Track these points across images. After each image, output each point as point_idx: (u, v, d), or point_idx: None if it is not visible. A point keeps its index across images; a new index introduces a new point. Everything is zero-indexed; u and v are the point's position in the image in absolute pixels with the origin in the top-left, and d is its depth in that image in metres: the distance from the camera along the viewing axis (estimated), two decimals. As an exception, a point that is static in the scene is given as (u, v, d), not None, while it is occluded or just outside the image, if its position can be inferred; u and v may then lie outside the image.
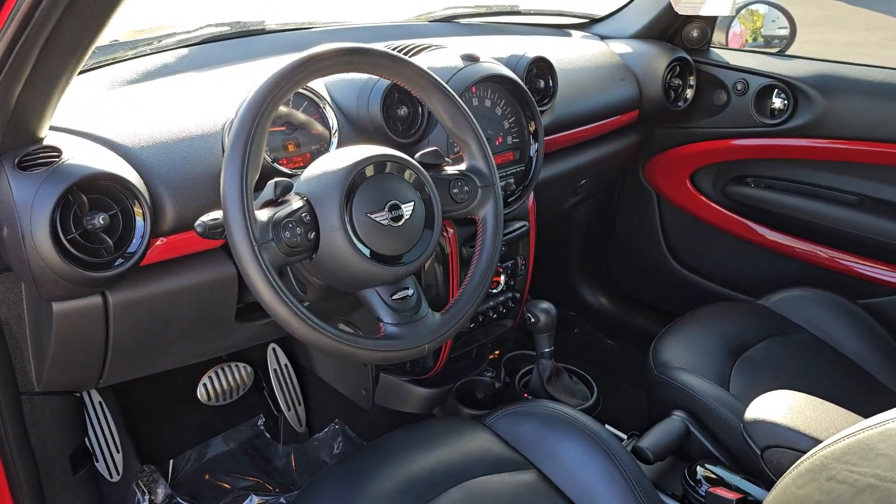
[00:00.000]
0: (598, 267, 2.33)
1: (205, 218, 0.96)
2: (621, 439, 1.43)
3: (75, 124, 1.10)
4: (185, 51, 1.47)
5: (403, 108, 1.31)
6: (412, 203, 1.04)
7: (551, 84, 1.59)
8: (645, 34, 1.98)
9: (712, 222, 2.03)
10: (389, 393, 1.66)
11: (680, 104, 1.92)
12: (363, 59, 1.04)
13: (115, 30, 1.75)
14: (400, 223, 1.02)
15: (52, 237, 0.93)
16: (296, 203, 0.98)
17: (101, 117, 1.13)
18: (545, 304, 1.47)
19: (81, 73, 1.32)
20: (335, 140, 1.23)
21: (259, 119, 0.93)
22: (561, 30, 2.07)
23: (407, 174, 1.05)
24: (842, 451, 0.66)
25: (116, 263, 0.99)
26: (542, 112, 1.55)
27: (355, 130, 1.29)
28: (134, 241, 1.00)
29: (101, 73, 1.34)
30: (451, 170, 1.15)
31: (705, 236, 2.06)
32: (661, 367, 1.48)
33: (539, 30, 2.04)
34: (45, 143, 1.00)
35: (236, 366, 1.73)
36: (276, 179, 0.97)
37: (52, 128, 1.07)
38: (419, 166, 1.07)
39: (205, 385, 1.66)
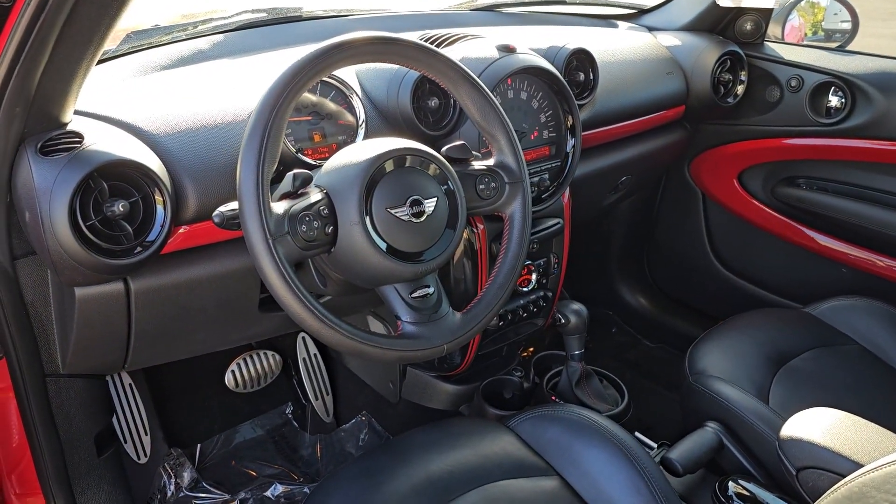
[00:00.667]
0: (638, 266, 2.26)
1: (223, 208, 0.94)
2: (650, 448, 1.38)
3: (102, 109, 1.09)
4: (220, 37, 1.47)
5: (434, 100, 1.28)
6: (435, 199, 1.01)
7: (592, 77, 1.53)
8: (695, 26, 1.90)
9: (760, 224, 1.94)
10: (416, 388, 1.63)
11: (729, 100, 1.84)
12: (390, 48, 1.00)
13: (158, 14, 1.76)
14: (421, 219, 0.99)
15: (70, 223, 0.93)
16: (314, 196, 0.96)
17: (129, 102, 1.13)
18: (576, 306, 1.42)
19: (115, 57, 1.33)
20: (362, 131, 1.21)
21: (278, 108, 0.91)
22: (607, 20, 2.00)
23: (431, 169, 1.02)
24: (882, 479, 0.61)
25: (135, 251, 0.98)
26: (581, 106, 1.50)
27: (384, 121, 1.26)
28: (154, 229, 0.99)
29: (136, 58, 1.34)
30: (478, 165, 1.11)
31: (752, 239, 1.97)
32: (696, 375, 1.42)
33: (584, 20, 1.97)
34: (69, 128, 1.00)
35: (265, 354, 1.73)
36: (296, 171, 0.95)
37: (78, 112, 1.07)
38: (444, 161, 1.04)
39: (233, 372, 1.66)
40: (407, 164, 1.00)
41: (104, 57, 1.31)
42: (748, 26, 1.87)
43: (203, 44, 1.43)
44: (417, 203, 0.99)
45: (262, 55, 1.41)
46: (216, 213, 0.94)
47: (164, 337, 1.22)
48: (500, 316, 1.48)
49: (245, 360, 1.68)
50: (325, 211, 0.95)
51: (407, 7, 1.87)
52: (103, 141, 0.98)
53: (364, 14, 1.72)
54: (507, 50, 1.34)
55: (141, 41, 1.39)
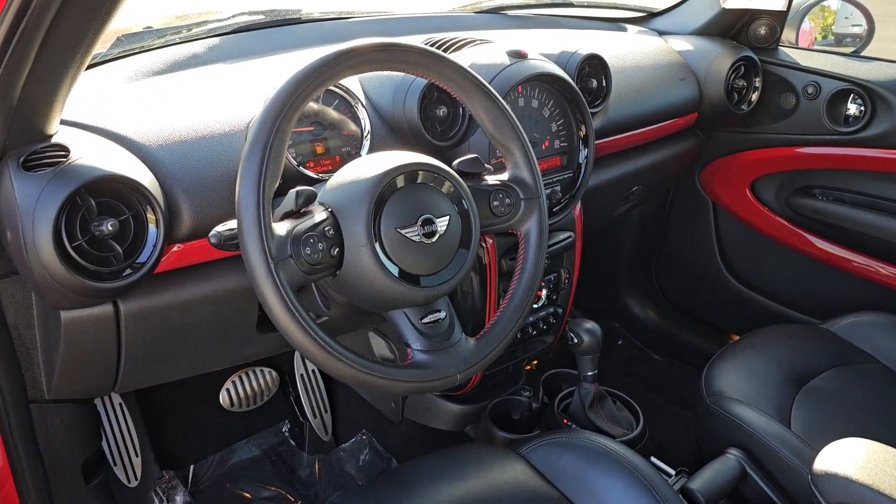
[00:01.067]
0: (646, 277, 2.20)
1: (220, 228, 0.87)
2: (668, 475, 1.31)
3: (91, 118, 1.02)
4: (215, 40, 1.40)
5: (442, 108, 1.21)
6: (447, 217, 0.94)
7: (605, 84, 1.47)
8: (708, 31, 1.84)
9: (774, 235, 1.88)
10: (420, 407, 1.57)
11: (743, 107, 1.78)
12: (398, 55, 0.94)
13: (150, 16, 1.69)
14: (433, 240, 0.92)
15: (55, 244, 0.86)
16: (319, 215, 0.89)
17: (119, 111, 1.05)
18: (589, 324, 1.36)
19: (105, 62, 1.26)
20: (367, 142, 1.14)
21: (280, 121, 0.84)
22: (616, 24, 1.94)
23: (444, 185, 0.95)
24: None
25: (125, 274, 0.91)
26: (593, 114, 1.44)
27: (390, 131, 1.19)
28: (145, 249, 0.92)
29: (127, 63, 1.27)
30: (491, 180, 1.05)
31: (765, 250, 1.91)
32: (713, 397, 1.36)
33: (592, 24, 1.91)
34: (54, 140, 0.93)
35: (261, 371, 1.65)
36: (299, 188, 0.88)
37: (64, 122, 1.00)
38: (456, 176, 0.97)
39: (228, 390, 1.59)
40: (419, 181, 0.93)
41: (93, 62, 1.24)
42: (762, 31, 1.81)
43: (198, 47, 1.36)
44: (429, 222, 0.92)
45: (260, 59, 1.34)
46: (213, 233, 0.87)
47: (156, 359, 1.15)
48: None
49: (241, 377, 1.61)
50: (331, 231, 0.88)
51: (409, 9, 1.80)
52: (91, 154, 0.91)
53: (365, 16, 1.65)
54: (518, 56, 1.27)
55: (132, 45, 1.32)
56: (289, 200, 0.89)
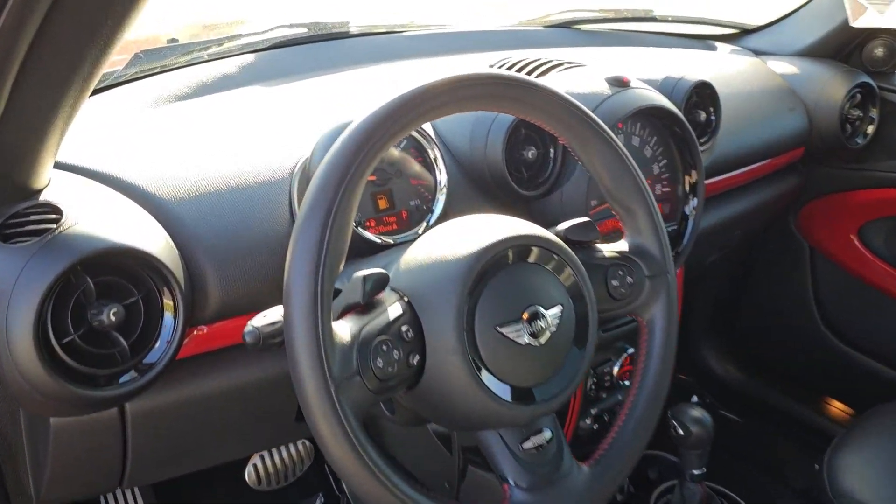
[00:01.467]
0: (727, 328, 1.94)
1: (259, 322, 0.64)
2: None
3: (95, 161, 0.81)
4: (250, 57, 1.18)
5: (531, 150, 0.98)
6: (558, 308, 0.70)
7: (713, 117, 1.22)
8: (814, 52, 1.58)
9: (883, 288, 1.62)
10: (478, 492, 1.32)
11: (858, 140, 1.52)
12: (502, 91, 0.70)
13: (173, 26, 1.47)
14: (541, 340, 0.68)
15: (37, 341, 0.64)
16: (392, 308, 0.66)
17: (131, 151, 0.84)
18: (697, 412, 1.11)
19: (118, 84, 1.04)
20: (442, 196, 0.90)
21: (348, 180, 0.61)
22: (704, 41, 1.69)
23: (552, 264, 0.71)
24: None
25: (125, 380, 0.68)
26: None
27: (465, 178, 0.96)
28: (157, 345, 0.70)
29: (144, 86, 1.05)
30: (606, 250, 0.81)
31: (873, 304, 1.65)
32: (842, 499, 1.11)
33: (676, 41, 1.67)
34: (43, 198, 0.70)
35: (293, 442, 1.42)
36: (366, 273, 0.64)
37: (60, 165, 0.78)
38: (570, 252, 0.73)
39: (255, 465, 1.36)
40: (531, 259, 0.70)
41: (103, 84, 1.02)
42: (879, 52, 1.55)
43: (230, 66, 1.14)
44: (538, 316, 0.68)
45: (304, 81, 1.12)
46: (249, 329, 0.64)
47: (171, 455, 0.93)
48: (593, 417, 1.17)
49: (269, 451, 1.37)
50: (409, 333, 0.65)
51: (468, 21, 1.57)
52: (91, 217, 0.69)
53: (421, 30, 1.42)
54: (621, 83, 1.04)
55: (153, 63, 1.10)
56: (353, 288, 0.65)
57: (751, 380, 1.91)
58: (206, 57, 1.15)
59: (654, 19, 1.66)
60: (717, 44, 1.69)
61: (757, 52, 1.64)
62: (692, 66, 1.37)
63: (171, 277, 0.69)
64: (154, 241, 0.71)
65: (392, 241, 0.85)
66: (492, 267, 0.67)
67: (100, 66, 0.57)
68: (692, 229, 1.13)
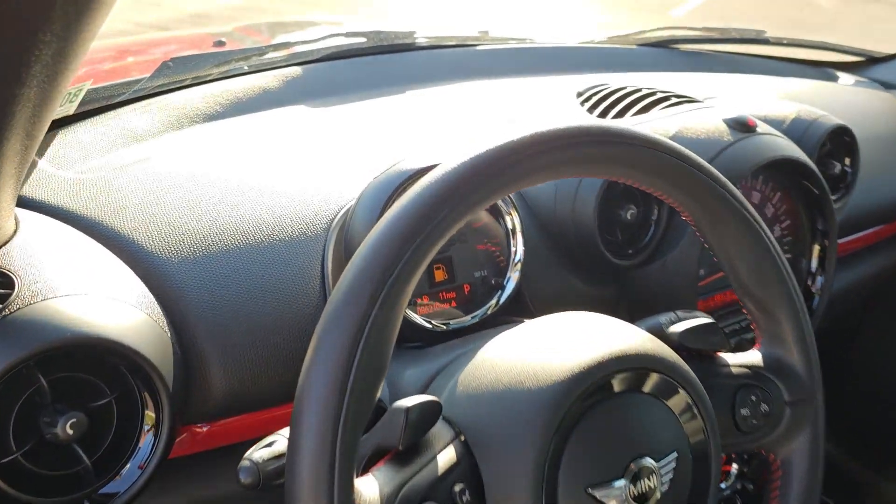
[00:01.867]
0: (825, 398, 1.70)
1: (260, 453, 0.47)
2: None
3: (79, 200, 0.64)
4: (296, 70, 1.00)
5: (631, 209, 0.77)
6: (672, 457, 0.50)
7: (849, 169, 1.00)
8: (961, 88, 1.34)
9: None
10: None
11: None
12: (615, 153, 0.51)
13: (220, 25, 1.32)
14: None
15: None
16: (443, 455, 0.47)
17: (129, 188, 0.67)
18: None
19: (140, 99, 0.88)
20: (516, 270, 0.70)
21: (395, 277, 0.43)
22: (822, 69, 1.45)
23: (673, 396, 0.51)
24: None
25: None
26: (830, 212, 0.97)
27: (547, 241, 0.76)
28: (127, 469, 0.52)
29: (170, 101, 0.88)
30: (733, 363, 0.60)
31: None
32: None
33: (790, 68, 1.43)
34: None
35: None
36: (410, 404, 0.46)
37: (31, 204, 0.62)
38: (695, 379, 0.53)
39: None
40: (645, 390, 0.50)
41: (123, 98, 0.86)
42: None
43: (272, 80, 0.97)
44: (647, 473, 0.49)
45: (358, 102, 0.96)
46: (245, 464, 0.47)
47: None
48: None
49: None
50: (465, 496, 0.46)
51: (552, 34, 1.38)
52: (52, 289, 0.52)
53: (499, 44, 1.23)
54: (746, 127, 0.83)
55: (182, 74, 0.93)
56: (389, 421, 0.47)
57: (849, 457, 1.66)
58: (245, 68, 0.98)
59: (766, 41, 1.43)
60: (839, 73, 1.45)
61: (886, 86, 1.40)
62: (819, 102, 1.14)
63: (155, 378, 0.52)
64: (137, 324, 0.54)
65: (444, 327, 0.66)
66: (589, 399, 0.48)
67: (53, 92, 0.40)
68: (818, 311, 0.91)
